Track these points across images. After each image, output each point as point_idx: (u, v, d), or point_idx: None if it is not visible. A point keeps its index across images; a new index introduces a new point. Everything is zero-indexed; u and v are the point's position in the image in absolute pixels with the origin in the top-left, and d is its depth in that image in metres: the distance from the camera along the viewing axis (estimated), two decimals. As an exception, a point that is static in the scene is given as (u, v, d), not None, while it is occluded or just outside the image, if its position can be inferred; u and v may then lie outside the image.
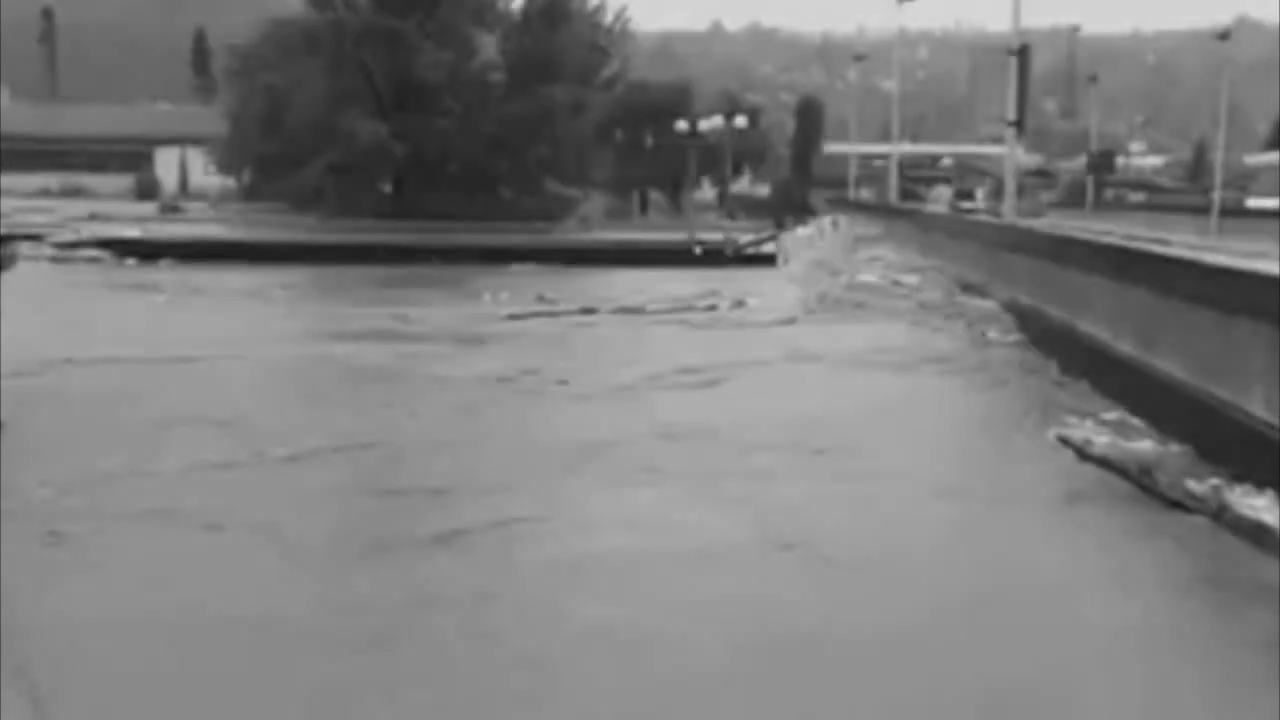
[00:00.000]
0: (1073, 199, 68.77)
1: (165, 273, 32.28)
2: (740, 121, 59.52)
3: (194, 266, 33.31)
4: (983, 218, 37.63)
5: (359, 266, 34.44)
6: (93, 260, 34.83)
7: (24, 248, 35.53)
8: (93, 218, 44.57)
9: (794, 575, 8.91)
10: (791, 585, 8.64)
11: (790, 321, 24.31)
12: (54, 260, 33.83)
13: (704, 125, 56.00)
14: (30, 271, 31.81)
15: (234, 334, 20.74)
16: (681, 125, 53.78)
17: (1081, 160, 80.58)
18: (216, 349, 18.68)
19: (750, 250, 40.97)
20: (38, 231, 36.49)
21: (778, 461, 12.18)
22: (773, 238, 43.27)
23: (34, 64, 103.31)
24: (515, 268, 34.43)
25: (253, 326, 22.02)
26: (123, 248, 36.04)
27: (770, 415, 14.40)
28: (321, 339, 20.79)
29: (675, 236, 42.58)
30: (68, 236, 37.81)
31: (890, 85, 66.19)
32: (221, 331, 21.12)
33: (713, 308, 26.05)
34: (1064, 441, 12.80)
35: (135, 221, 43.70)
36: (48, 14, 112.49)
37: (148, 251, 35.50)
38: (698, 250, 39.48)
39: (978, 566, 9.37)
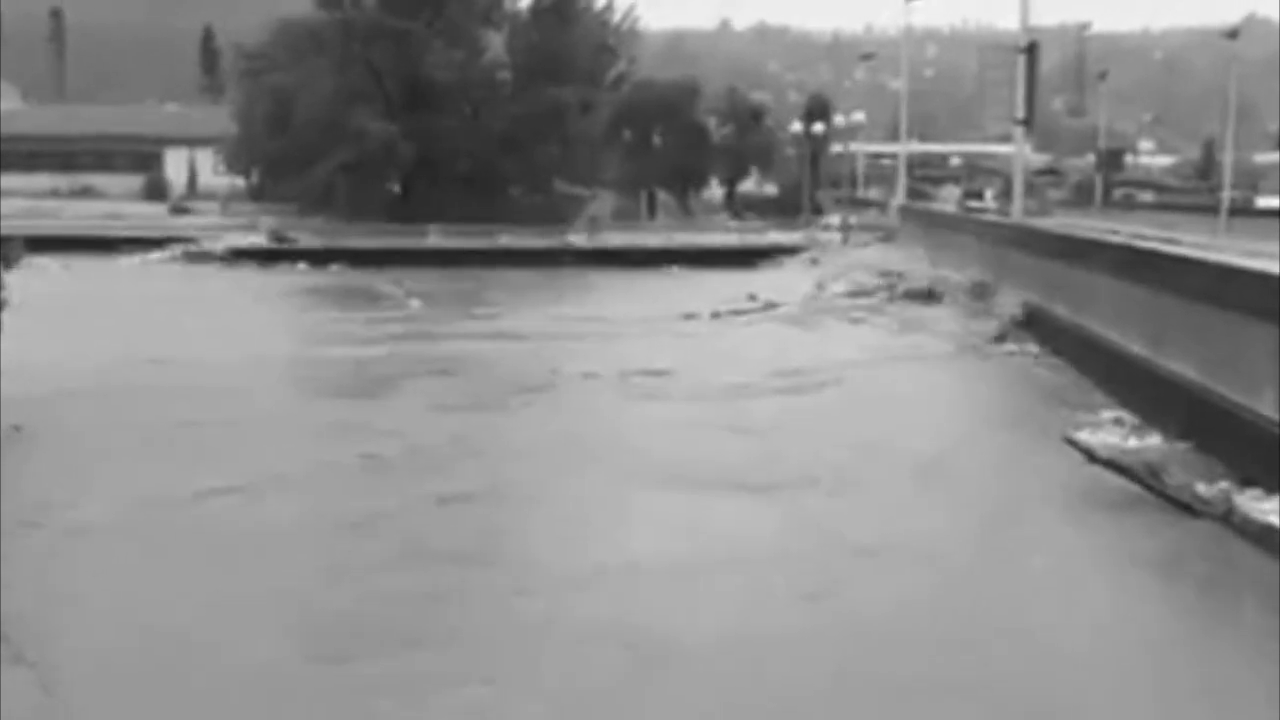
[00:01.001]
0: (1081, 198, 68.64)
1: (370, 277, 33.57)
2: (818, 128, 59.97)
3: (364, 270, 35.61)
4: (990, 217, 37.56)
5: (504, 270, 36.06)
6: (265, 264, 37.27)
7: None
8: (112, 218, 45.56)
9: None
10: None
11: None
12: (222, 263, 37.13)
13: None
14: (236, 276, 32.55)
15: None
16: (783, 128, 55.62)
17: (1090, 159, 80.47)
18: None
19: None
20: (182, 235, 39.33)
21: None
22: (887, 237, 43.55)
23: (42, 64, 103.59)
24: (675, 270, 37.65)
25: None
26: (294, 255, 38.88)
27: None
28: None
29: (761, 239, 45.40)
30: (240, 243, 40.69)
31: (898, 84, 66.06)
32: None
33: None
34: (1072, 443, 12.75)
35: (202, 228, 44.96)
36: (56, 14, 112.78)
37: (320, 258, 38.59)
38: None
39: (988, 563, 9.40)
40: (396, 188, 54.34)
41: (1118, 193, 71.93)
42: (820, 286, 30.35)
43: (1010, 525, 10.61)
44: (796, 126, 63.22)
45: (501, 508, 10.95)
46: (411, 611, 8.05)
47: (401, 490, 11.21)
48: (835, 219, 52.56)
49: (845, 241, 44.74)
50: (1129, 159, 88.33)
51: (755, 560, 9.26)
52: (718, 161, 67.94)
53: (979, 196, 64.71)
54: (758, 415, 14.74)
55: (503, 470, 12.13)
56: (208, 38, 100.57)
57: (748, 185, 70.66)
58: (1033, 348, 19.78)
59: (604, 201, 58.80)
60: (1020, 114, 29.71)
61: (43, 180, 62.41)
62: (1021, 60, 29.22)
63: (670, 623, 7.88)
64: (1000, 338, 20.80)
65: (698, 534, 9.92)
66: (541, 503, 11.06)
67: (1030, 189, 40.62)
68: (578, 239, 45.29)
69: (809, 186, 56.60)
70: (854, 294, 28.48)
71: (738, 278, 32.46)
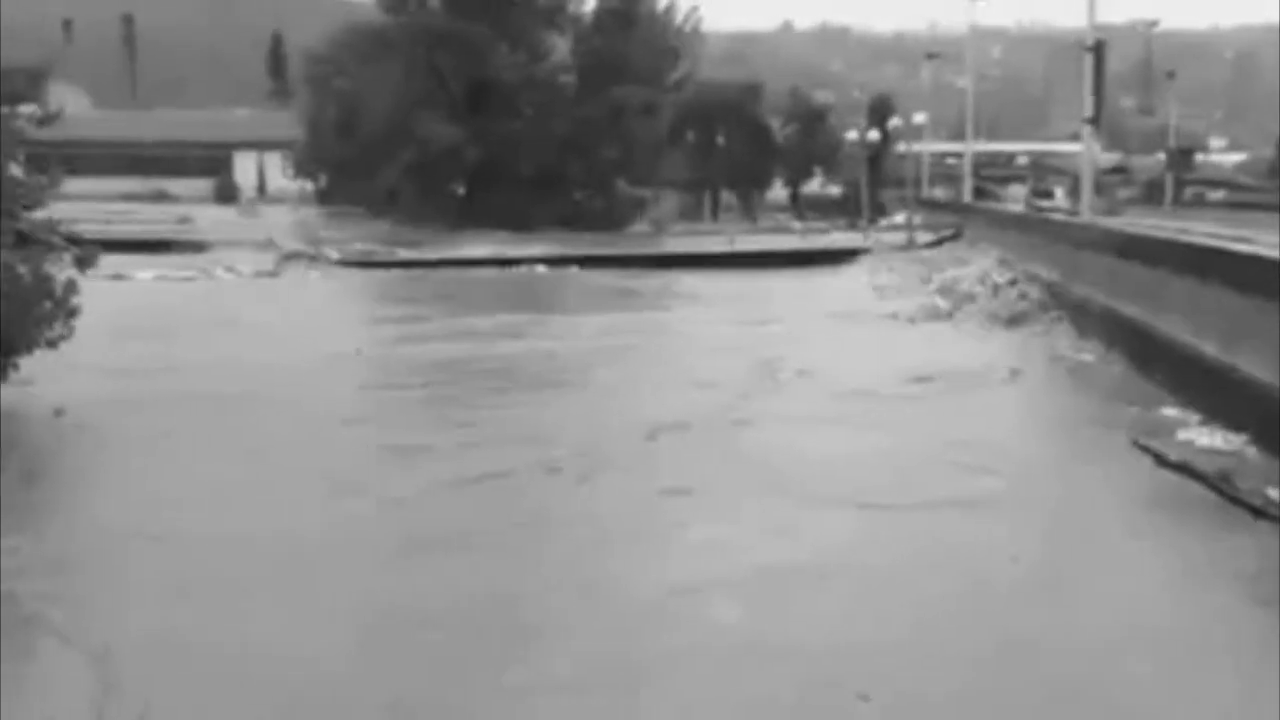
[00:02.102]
0: (1151, 197, 67.77)
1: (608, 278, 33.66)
2: (873, 135, 59.90)
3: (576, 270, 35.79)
4: (1059, 216, 37.23)
5: (684, 271, 36.03)
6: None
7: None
8: (184, 220, 46.32)
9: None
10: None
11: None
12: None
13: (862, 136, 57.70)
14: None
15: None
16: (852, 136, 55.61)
17: (1160, 157, 79.39)
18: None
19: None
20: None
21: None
22: (955, 236, 43.31)
23: (113, 69, 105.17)
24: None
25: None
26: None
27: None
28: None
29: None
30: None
31: (964, 83, 65.59)
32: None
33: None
34: (1141, 447, 12.62)
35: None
36: (128, 19, 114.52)
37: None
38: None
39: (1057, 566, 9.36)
40: (461, 190, 54.79)
41: (1188, 191, 70.96)
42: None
43: (1083, 534, 10.54)
44: (852, 134, 63.03)
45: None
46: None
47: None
48: (899, 219, 52.28)
49: (910, 243, 44.15)
50: (1199, 157, 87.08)
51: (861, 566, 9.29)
52: (781, 162, 67.85)
53: (1048, 196, 64.03)
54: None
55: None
56: (276, 43, 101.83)
57: (812, 186, 70.48)
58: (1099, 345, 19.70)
59: (667, 203, 58.93)
60: (1088, 112, 29.52)
61: (115, 184, 63.47)
62: (1088, 58, 29.03)
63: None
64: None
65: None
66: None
67: (1099, 188, 40.22)
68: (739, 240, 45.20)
69: (866, 187, 56.31)
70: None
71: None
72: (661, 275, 34.75)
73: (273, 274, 34.02)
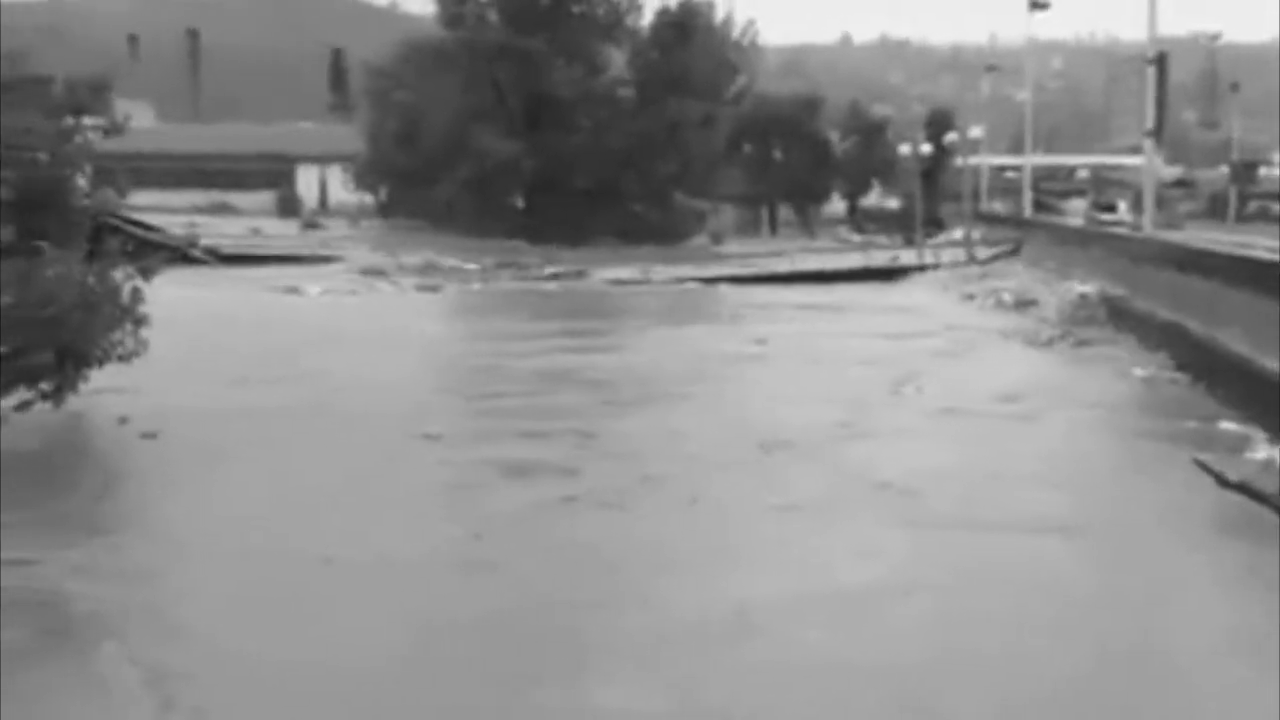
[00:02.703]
0: (1215, 211, 66.99)
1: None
2: (925, 147, 59.70)
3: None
4: (1120, 230, 36.90)
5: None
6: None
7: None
8: (255, 233, 46.97)
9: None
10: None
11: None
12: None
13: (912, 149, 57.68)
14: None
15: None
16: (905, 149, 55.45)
17: (1223, 171, 78.49)
18: None
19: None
20: None
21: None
22: (1014, 251, 43.09)
23: (176, 83, 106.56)
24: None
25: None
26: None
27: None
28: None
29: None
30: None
31: (1023, 95, 65.15)
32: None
33: None
34: (1203, 466, 12.45)
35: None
36: (192, 34, 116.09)
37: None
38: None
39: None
40: (519, 203, 55.07)
41: (1252, 205, 70.07)
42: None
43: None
44: (905, 148, 62.73)
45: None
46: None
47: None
48: (958, 233, 51.93)
49: (970, 259, 43.73)
50: (1263, 171, 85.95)
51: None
52: (839, 175, 67.70)
53: (1111, 209, 63.29)
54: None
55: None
56: (337, 57, 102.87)
57: (870, 198, 70.27)
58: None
59: (723, 216, 58.97)
60: (1149, 125, 29.30)
61: (178, 197, 64.26)
62: (1150, 71, 28.83)
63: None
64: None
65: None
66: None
67: (1160, 202, 39.78)
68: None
69: (918, 200, 55.96)
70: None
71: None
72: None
73: (434, 288, 34.62)
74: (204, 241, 33.73)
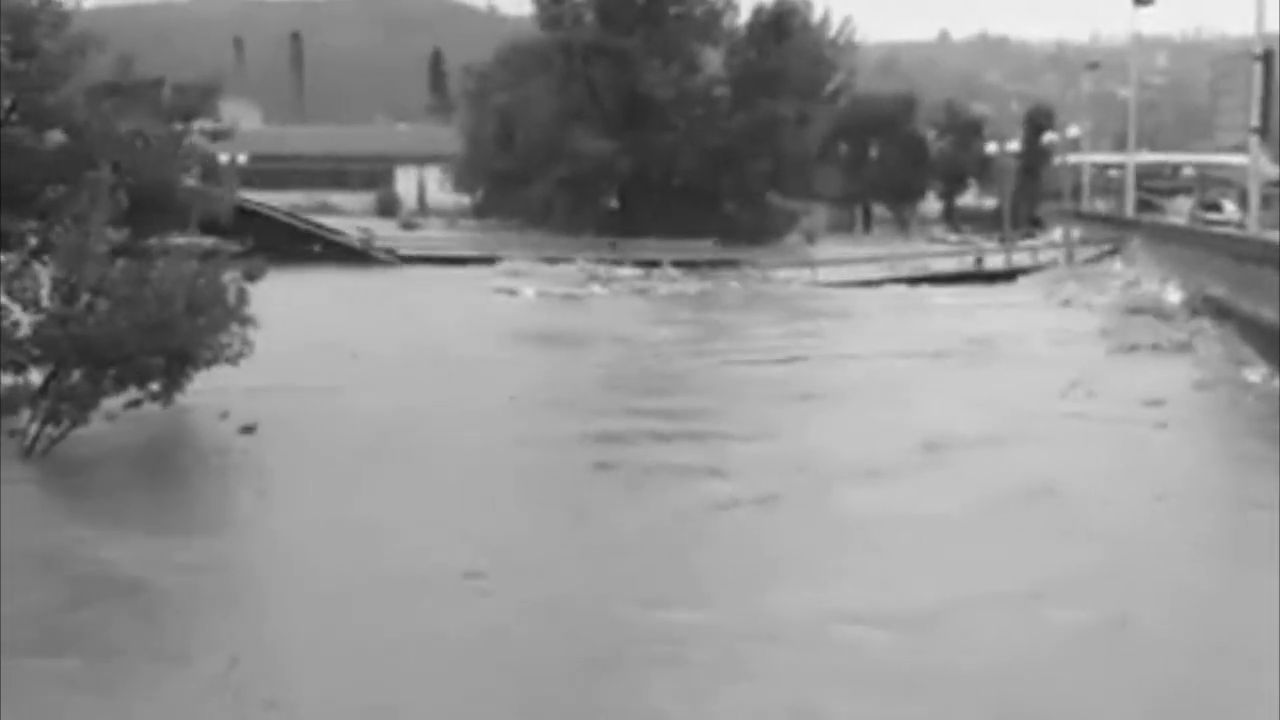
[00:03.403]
0: (1325, 210, 65.33)
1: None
2: (1013, 145, 59.14)
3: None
4: (1224, 230, 36.20)
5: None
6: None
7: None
8: (365, 232, 48.01)
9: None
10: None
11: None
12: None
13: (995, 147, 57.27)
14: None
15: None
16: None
17: (1333, 169, 76.50)
18: None
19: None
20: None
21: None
22: (1113, 251, 42.74)
23: (281, 86, 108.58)
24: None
25: None
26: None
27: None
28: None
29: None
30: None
31: (1126, 93, 64.16)
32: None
33: None
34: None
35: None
36: (296, 38, 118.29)
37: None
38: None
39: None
40: (613, 202, 55.30)
41: (1364, 204, 68.26)
42: None
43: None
44: (991, 147, 62.01)
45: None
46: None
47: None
48: (1057, 233, 51.28)
49: (1070, 260, 43.10)
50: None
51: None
52: (935, 174, 67.18)
53: (1217, 208, 61.89)
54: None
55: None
56: (436, 60, 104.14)
57: (966, 197, 69.60)
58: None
59: (817, 215, 58.75)
60: (1255, 122, 28.80)
61: (282, 197, 65.39)
62: (1256, 67, 28.33)
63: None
64: None
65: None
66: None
67: (1266, 201, 38.97)
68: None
69: (1010, 200, 55.25)
70: None
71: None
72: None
73: (643, 291, 35.82)
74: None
